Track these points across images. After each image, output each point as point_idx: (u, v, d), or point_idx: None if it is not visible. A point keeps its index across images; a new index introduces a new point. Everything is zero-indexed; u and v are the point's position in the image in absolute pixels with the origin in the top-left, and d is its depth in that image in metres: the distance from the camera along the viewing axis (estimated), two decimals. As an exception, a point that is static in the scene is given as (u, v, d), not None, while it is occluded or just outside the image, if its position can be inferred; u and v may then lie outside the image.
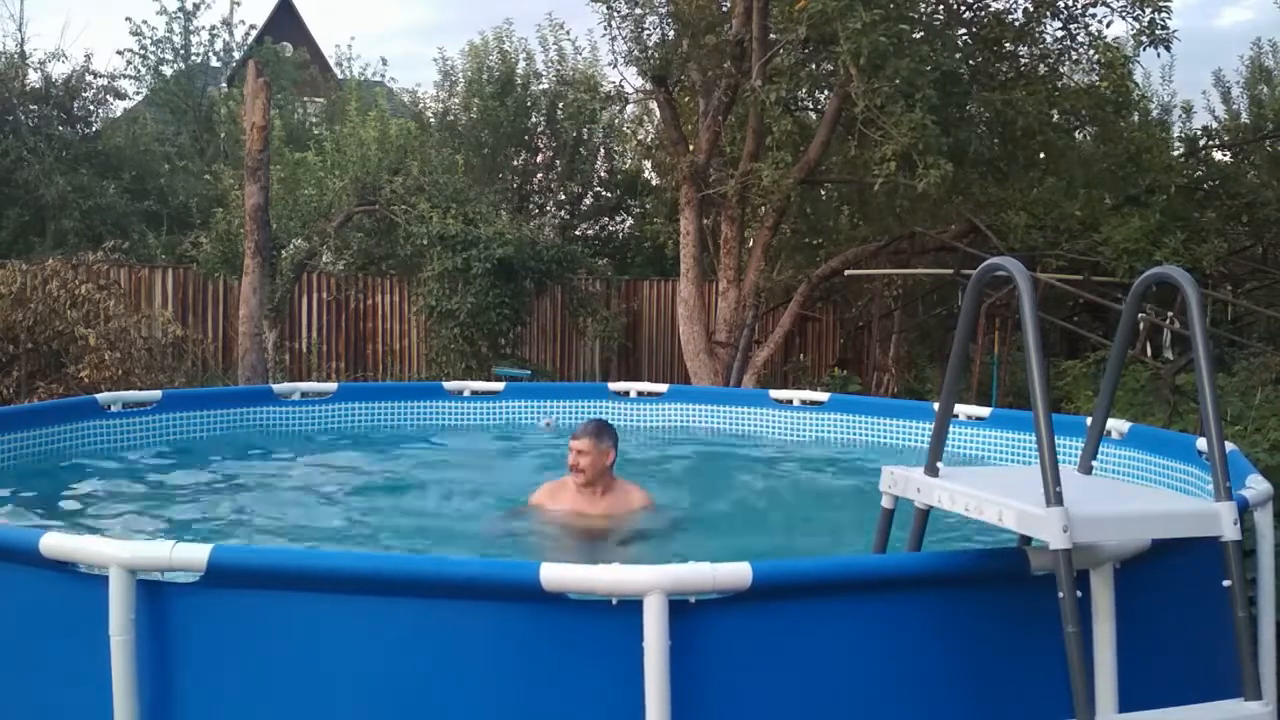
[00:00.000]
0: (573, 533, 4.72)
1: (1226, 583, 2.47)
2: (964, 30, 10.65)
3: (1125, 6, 9.88)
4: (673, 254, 12.77)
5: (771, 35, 10.52)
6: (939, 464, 2.87)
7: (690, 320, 10.84)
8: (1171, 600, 2.92)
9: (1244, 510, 3.14)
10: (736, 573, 2.43)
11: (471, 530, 4.78)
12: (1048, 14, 10.52)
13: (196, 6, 19.88)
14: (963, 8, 10.66)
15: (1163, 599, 2.88)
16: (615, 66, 11.78)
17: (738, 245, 10.98)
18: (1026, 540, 2.83)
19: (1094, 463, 3.10)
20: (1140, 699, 2.55)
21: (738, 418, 6.88)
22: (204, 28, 20.36)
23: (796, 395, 6.82)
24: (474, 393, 7.01)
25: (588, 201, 17.94)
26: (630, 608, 2.39)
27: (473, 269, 12.30)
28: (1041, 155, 11.29)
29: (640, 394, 7.11)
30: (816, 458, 6.39)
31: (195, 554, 2.50)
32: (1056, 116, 11.09)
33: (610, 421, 4.94)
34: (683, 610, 2.43)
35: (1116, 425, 5.06)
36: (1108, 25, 10.57)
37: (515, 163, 16.95)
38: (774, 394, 6.89)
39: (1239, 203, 11.35)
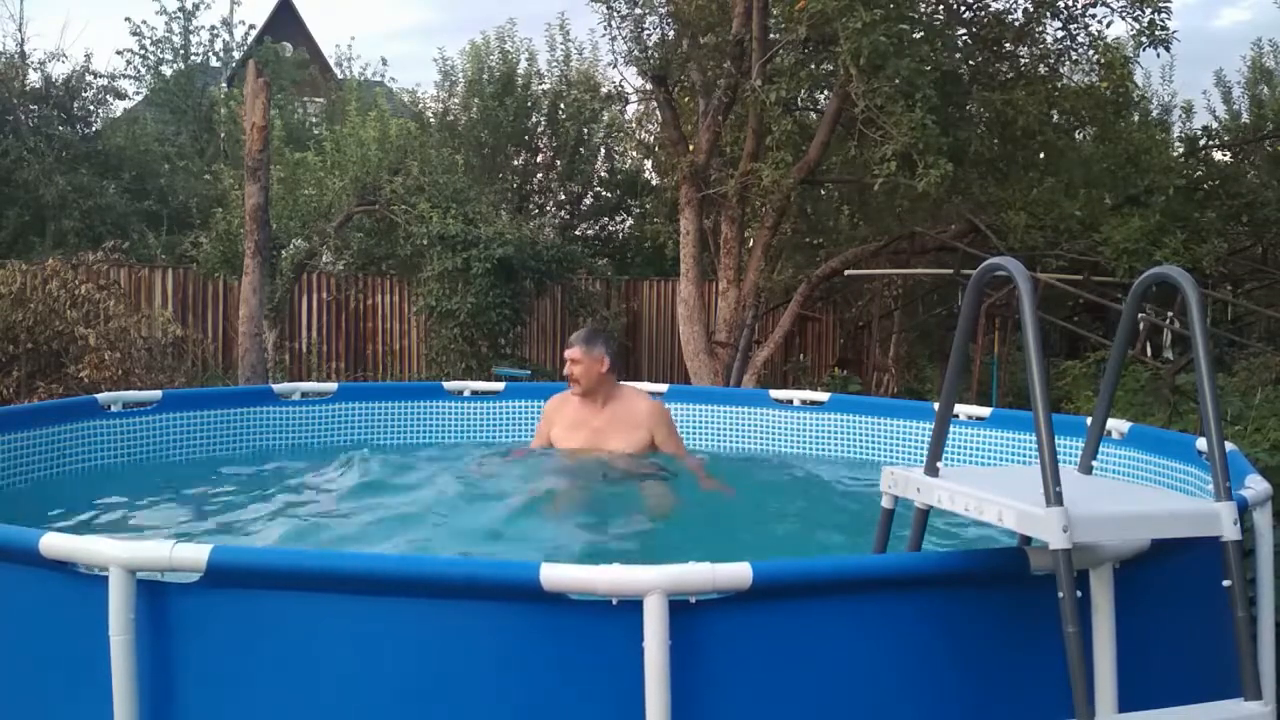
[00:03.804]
0: (571, 460, 4.78)
1: (1226, 583, 2.47)
2: (964, 30, 10.66)
3: (1125, 7, 9.88)
4: (673, 254, 12.78)
5: (771, 35, 10.52)
6: (939, 464, 2.87)
7: (690, 320, 10.84)
8: (1171, 600, 2.92)
9: (1244, 510, 3.14)
10: (736, 573, 2.43)
11: (472, 528, 4.77)
12: (1048, 14, 10.52)
13: (196, 6, 19.92)
14: (963, 8, 10.66)
15: (1163, 599, 2.88)
16: (615, 66, 11.81)
17: (738, 245, 10.98)
18: (1026, 540, 2.83)
19: (1094, 463, 3.10)
20: (1140, 699, 2.55)
21: (738, 418, 6.88)
22: (204, 28, 20.46)
23: (796, 395, 6.81)
24: (474, 393, 7.00)
25: (588, 201, 17.96)
26: (630, 607, 2.39)
27: (473, 269, 12.30)
28: (1041, 155, 11.29)
29: (640, 394, 7.10)
30: (815, 457, 6.39)
31: (195, 554, 2.50)
32: (1056, 117, 11.09)
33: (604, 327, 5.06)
34: (683, 610, 2.43)
35: (1116, 425, 5.05)
36: (1108, 25, 10.59)
37: (515, 163, 16.97)
38: (774, 394, 6.88)
39: (1239, 203, 11.34)
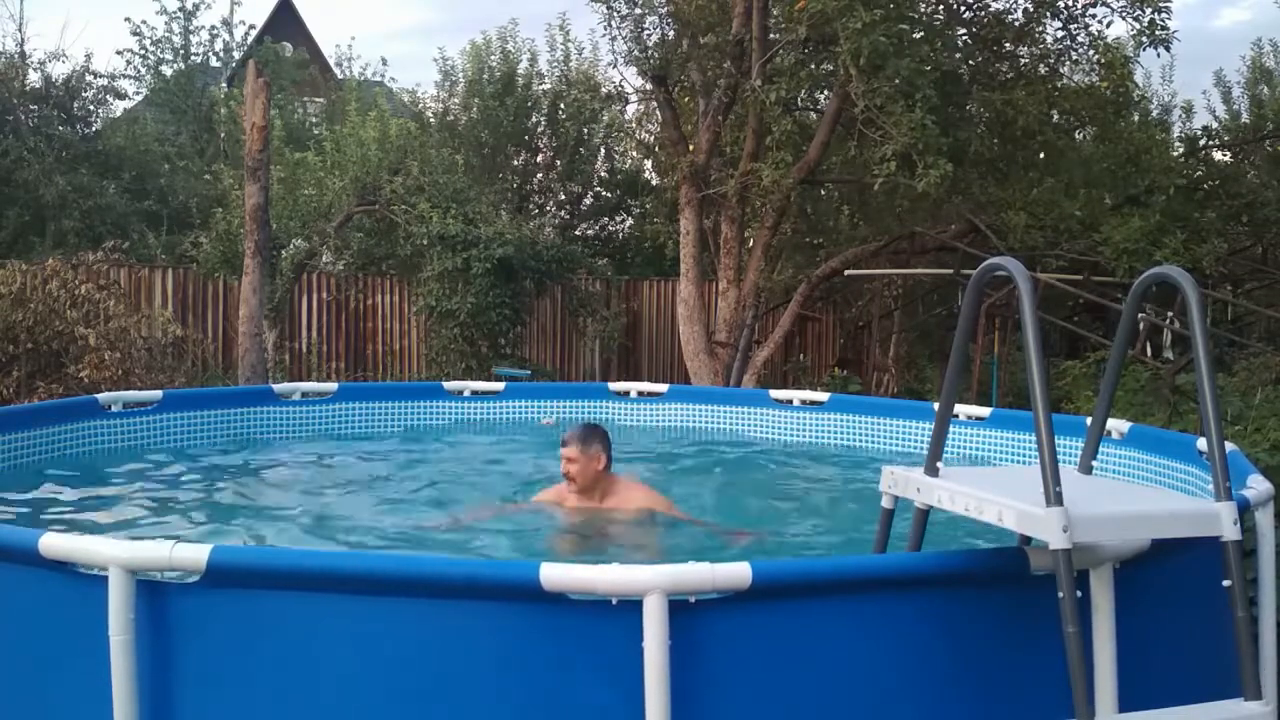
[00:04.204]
0: (570, 531, 4.71)
1: (1226, 583, 2.47)
2: (964, 30, 10.66)
3: (1125, 7, 9.88)
4: (673, 254, 12.78)
5: (771, 35, 10.53)
6: (939, 464, 2.87)
7: (690, 320, 10.84)
8: (1171, 600, 2.92)
9: (1244, 510, 3.14)
10: (736, 573, 2.43)
11: (471, 527, 4.77)
12: (1048, 14, 10.52)
13: (196, 6, 19.91)
14: (963, 8, 10.67)
15: (1163, 599, 2.88)
16: (615, 66, 11.82)
17: (738, 245, 10.98)
18: (1026, 540, 2.83)
19: (1094, 463, 3.10)
20: (1140, 699, 2.55)
21: (738, 418, 6.88)
22: (204, 28, 20.43)
23: (796, 395, 6.82)
24: (474, 393, 7.01)
25: (588, 201, 17.95)
26: (630, 607, 2.39)
27: (473, 269, 12.31)
28: (1041, 155, 11.30)
29: (640, 394, 7.12)
30: (816, 458, 6.39)
31: (195, 554, 2.50)
32: (1056, 117, 11.10)
33: (599, 423, 4.90)
34: (683, 610, 2.43)
35: (1116, 425, 5.06)
36: (1108, 25, 10.59)
37: (515, 163, 16.96)
38: (774, 394, 6.89)
39: (1239, 203, 11.34)
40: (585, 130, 17.08)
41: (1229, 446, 3.51)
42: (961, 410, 5.94)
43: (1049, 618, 2.38)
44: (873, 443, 6.39)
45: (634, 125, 16.19)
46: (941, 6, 10.51)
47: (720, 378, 10.68)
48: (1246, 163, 13.19)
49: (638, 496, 4.82)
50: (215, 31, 20.46)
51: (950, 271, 11.40)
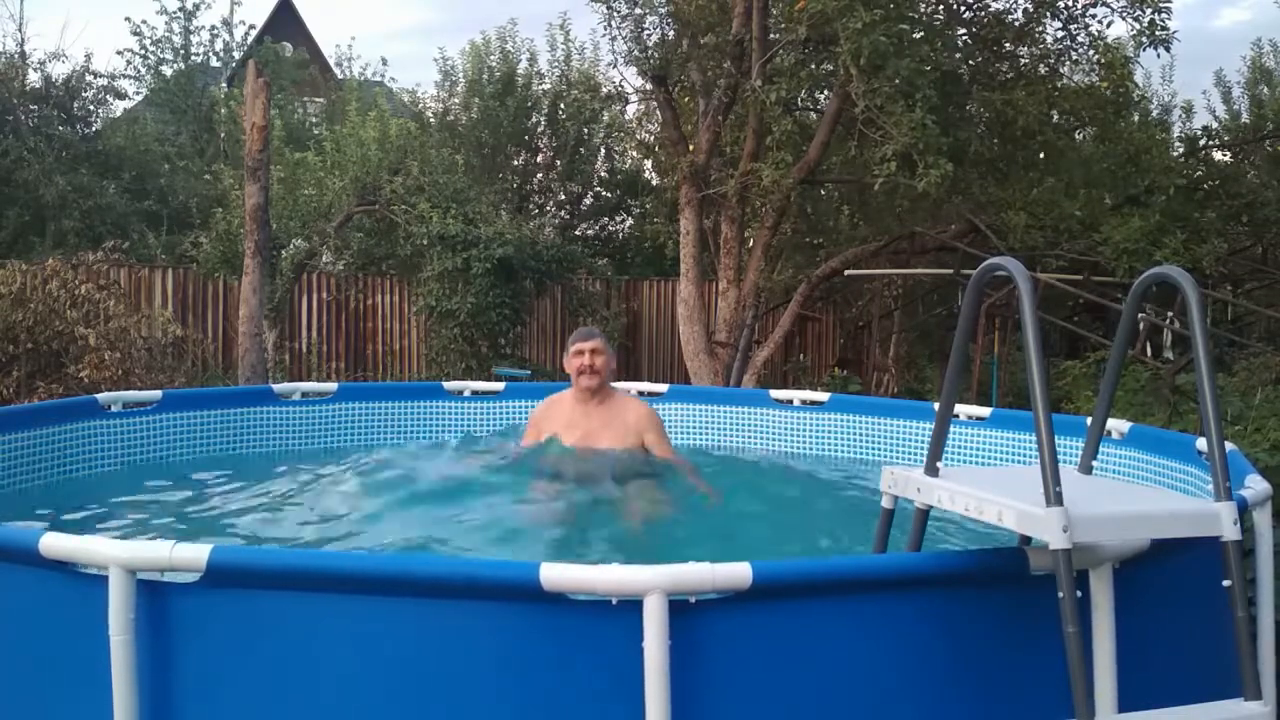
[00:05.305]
0: (568, 461, 4.85)
1: (1226, 583, 2.47)
2: (964, 30, 10.66)
3: (1125, 7, 9.88)
4: (673, 254, 12.78)
5: (771, 35, 10.53)
6: (939, 464, 2.87)
7: (690, 320, 10.84)
8: (1171, 600, 2.92)
9: (1244, 510, 3.14)
10: (736, 573, 2.43)
11: (470, 527, 4.76)
12: (1048, 14, 10.52)
13: (196, 6, 19.93)
14: (963, 8, 10.67)
15: (1163, 599, 2.88)
16: (615, 66, 11.82)
17: (738, 245, 10.98)
18: (1026, 540, 2.83)
19: (1094, 463, 3.10)
20: (1140, 699, 2.55)
21: (738, 418, 6.88)
22: (204, 28, 20.48)
23: (796, 395, 6.82)
24: (474, 393, 7.00)
25: (588, 201, 17.97)
26: (630, 607, 2.39)
27: (473, 269, 12.31)
28: (1041, 155, 11.30)
29: (641, 394, 7.11)
30: (815, 458, 6.39)
31: (195, 554, 2.50)
32: (1056, 117, 11.10)
33: None
34: (683, 610, 2.43)
35: (1116, 425, 5.05)
36: (1108, 25, 10.60)
37: (515, 163, 16.97)
38: (774, 394, 6.89)
39: (1239, 203, 11.34)
40: (585, 130, 17.09)
41: (1229, 446, 3.51)
42: (961, 410, 5.93)
43: (1049, 618, 2.38)
44: (873, 442, 6.38)
45: (634, 125, 16.19)
46: (941, 6, 10.51)
47: (720, 378, 10.68)
48: (1246, 163, 13.19)
49: (633, 409, 5.06)
50: (215, 31, 20.51)
51: (950, 271, 11.41)
